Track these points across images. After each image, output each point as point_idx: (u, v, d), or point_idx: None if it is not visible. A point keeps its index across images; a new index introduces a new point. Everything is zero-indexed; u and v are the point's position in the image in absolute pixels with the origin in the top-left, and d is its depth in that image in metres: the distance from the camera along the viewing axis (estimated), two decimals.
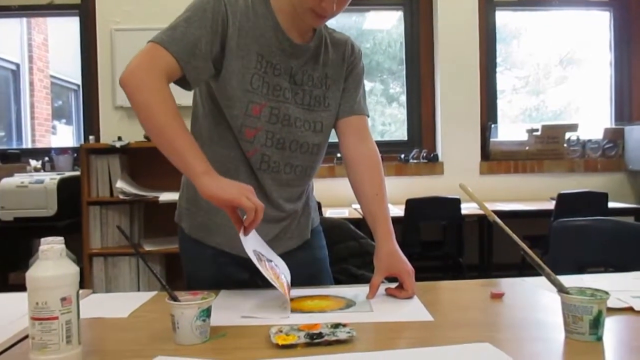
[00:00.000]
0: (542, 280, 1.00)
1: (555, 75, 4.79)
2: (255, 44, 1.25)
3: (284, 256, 1.32)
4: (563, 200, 3.31)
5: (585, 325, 0.88)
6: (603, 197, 3.35)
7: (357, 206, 3.84)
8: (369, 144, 1.41)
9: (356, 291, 1.28)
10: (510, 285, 1.33)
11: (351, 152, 1.39)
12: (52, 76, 6.09)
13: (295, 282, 1.32)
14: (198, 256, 1.40)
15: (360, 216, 3.32)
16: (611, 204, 3.40)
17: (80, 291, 0.90)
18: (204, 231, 1.36)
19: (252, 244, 1.15)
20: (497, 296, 1.20)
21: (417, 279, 1.27)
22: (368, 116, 1.45)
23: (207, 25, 1.19)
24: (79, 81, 4.34)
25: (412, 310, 1.13)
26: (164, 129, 1.14)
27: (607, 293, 0.91)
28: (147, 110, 1.16)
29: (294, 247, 1.40)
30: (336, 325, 0.96)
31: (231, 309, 1.14)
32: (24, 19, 5.50)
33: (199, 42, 1.18)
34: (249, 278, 1.38)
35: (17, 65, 5.60)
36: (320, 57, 1.35)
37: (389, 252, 1.32)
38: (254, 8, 1.26)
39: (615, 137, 4.27)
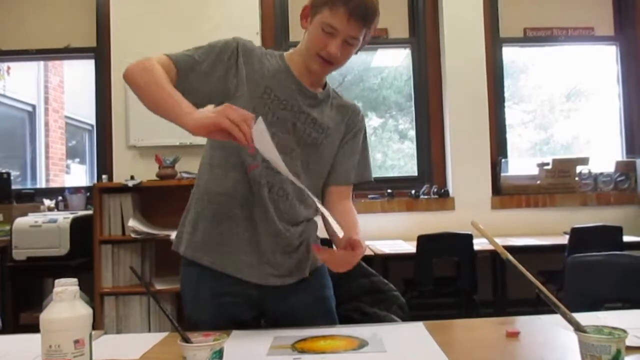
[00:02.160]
0: (558, 317, 0.98)
1: (563, 108, 4.81)
2: (265, 80, 1.37)
3: (281, 290, 1.35)
4: (577, 234, 3.27)
5: None
6: (617, 231, 3.31)
7: (369, 242, 3.83)
8: (350, 205, 1.49)
9: (369, 330, 1.26)
10: (526, 323, 1.31)
11: (333, 211, 1.36)
12: (66, 116, 6.21)
13: (293, 323, 1.33)
14: (197, 294, 1.40)
15: (372, 253, 3.31)
16: (626, 238, 3.35)
17: (93, 332, 0.90)
18: (200, 251, 1.38)
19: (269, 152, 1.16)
20: (513, 335, 1.18)
21: (431, 316, 1.25)
22: (367, 181, 1.55)
23: (214, 53, 1.35)
24: (93, 121, 4.43)
25: (426, 350, 1.11)
26: (149, 87, 1.26)
27: (625, 331, 0.89)
28: (134, 78, 1.32)
29: (291, 283, 1.40)
30: None
31: (244, 350, 1.13)
32: (41, 62, 5.65)
33: (201, 64, 1.34)
34: (251, 319, 1.40)
35: (34, 107, 5.73)
36: (325, 109, 1.44)
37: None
38: (268, 56, 1.41)
39: (627, 170, 4.24)
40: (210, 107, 1.25)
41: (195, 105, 1.23)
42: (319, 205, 1.23)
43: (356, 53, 1.41)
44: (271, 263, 1.37)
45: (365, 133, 1.54)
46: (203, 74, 1.34)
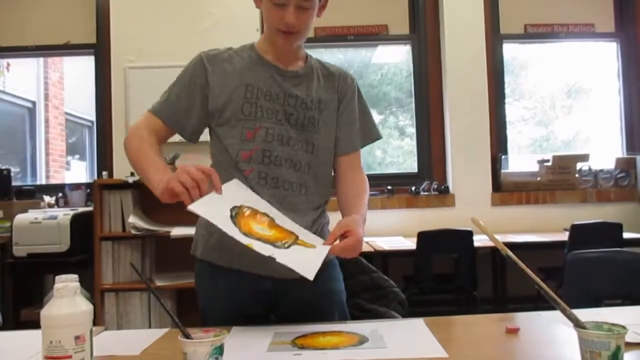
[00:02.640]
0: (558, 314, 0.98)
1: (563, 105, 4.80)
2: (243, 78, 1.40)
3: (292, 282, 1.32)
4: (577, 231, 3.28)
5: None
6: (617, 228, 3.31)
7: (369, 239, 3.84)
8: (359, 174, 1.49)
9: (369, 327, 1.26)
10: (526, 319, 1.31)
11: (341, 183, 1.47)
12: (66, 113, 6.21)
13: (303, 316, 1.33)
14: (212, 289, 1.43)
15: (372, 250, 3.32)
16: (626, 235, 3.35)
17: (93, 328, 0.90)
18: (217, 251, 1.39)
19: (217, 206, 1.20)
20: (513, 331, 1.18)
21: (431, 312, 1.26)
22: (374, 140, 1.55)
23: (187, 82, 1.42)
24: (93, 118, 4.43)
25: (426, 346, 1.12)
26: (132, 159, 1.35)
27: (624, 327, 0.89)
28: (127, 148, 1.37)
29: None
30: None
31: (244, 346, 1.13)
32: (41, 59, 5.65)
33: (180, 99, 1.40)
34: (262, 313, 1.40)
35: (34, 103, 5.73)
36: (312, 83, 1.44)
37: (352, 217, 1.32)
38: (239, 53, 1.45)
39: (627, 167, 4.24)
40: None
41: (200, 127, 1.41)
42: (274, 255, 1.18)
43: (319, 16, 1.42)
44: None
45: (359, 94, 1.52)
46: (185, 110, 1.40)
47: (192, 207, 1.14)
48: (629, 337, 0.95)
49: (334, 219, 1.43)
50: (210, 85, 1.40)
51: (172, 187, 1.15)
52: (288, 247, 1.22)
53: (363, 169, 1.51)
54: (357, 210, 1.35)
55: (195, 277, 1.48)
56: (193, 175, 1.15)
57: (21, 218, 3.34)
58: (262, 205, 1.29)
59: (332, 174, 1.49)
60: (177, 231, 3.22)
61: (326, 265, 1.43)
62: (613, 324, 0.91)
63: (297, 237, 1.25)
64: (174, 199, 1.17)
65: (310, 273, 1.15)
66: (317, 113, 1.42)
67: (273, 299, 1.41)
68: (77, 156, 6.40)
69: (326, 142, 1.44)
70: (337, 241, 1.26)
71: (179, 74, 1.45)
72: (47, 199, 3.87)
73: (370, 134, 1.54)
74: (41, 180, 5.50)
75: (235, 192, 1.27)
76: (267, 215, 1.27)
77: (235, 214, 1.21)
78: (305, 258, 1.20)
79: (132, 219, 3.25)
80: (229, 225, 1.17)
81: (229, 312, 1.38)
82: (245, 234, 1.18)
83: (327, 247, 1.24)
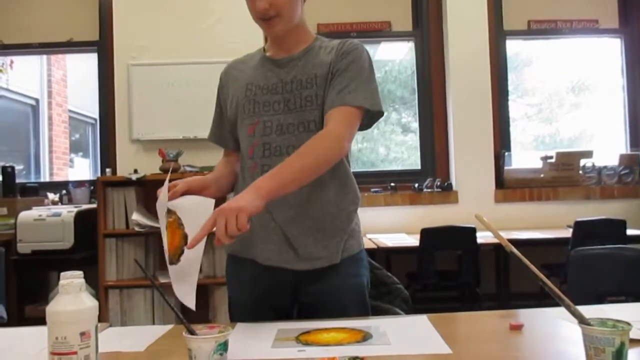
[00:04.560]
0: (562, 310, 0.98)
1: (567, 102, 4.79)
2: (245, 79, 1.45)
3: (313, 274, 1.37)
4: (580, 227, 3.27)
5: (607, 358, 0.86)
6: (621, 224, 3.30)
7: (372, 236, 3.85)
8: (324, 132, 1.32)
9: (373, 323, 1.27)
10: (530, 316, 1.31)
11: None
12: (70, 110, 6.21)
13: (324, 309, 1.36)
14: (237, 280, 1.48)
15: (376, 246, 3.32)
16: (630, 231, 3.35)
17: (98, 325, 0.90)
18: (240, 245, 1.41)
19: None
20: (517, 327, 1.18)
21: (434, 309, 1.25)
22: (365, 104, 1.35)
23: (218, 101, 1.54)
24: (96, 115, 4.43)
25: (430, 342, 1.12)
26: None
27: (629, 324, 0.89)
28: None
29: (322, 267, 1.38)
30: (354, 359, 0.95)
31: (248, 343, 1.14)
32: (44, 56, 5.65)
33: (218, 117, 1.54)
34: (288, 305, 1.43)
35: (37, 101, 5.73)
36: (309, 60, 1.42)
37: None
38: (251, 57, 1.52)
39: (631, 163, 4.23)
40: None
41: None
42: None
43: None
44: (296, 247, 1.36)
45: (360, 60, 1.39)
46: (222, 125, 1.54)
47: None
48: (633, 334, 0.95)
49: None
50: (228, 97, 1.49)
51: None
52: (177, 259, 1.26)
53: (338, 125, 1.31)
54: (259, 181, 1.20)
55: (226, 268, 1.54)
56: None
57: (25, 215, 3.35)
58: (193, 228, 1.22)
59: None
60: None
61: (349, 260, 1.43)
62: (617, 321, 0.90)
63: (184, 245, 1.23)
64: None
65: (187, 302, 1.24)
66: (316, 88, 1.38)
67: (295, 290, 1.42)
68: (80, 153, 6.41)
69: (315, 116, 1.38)
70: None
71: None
72: (51, 196, 3.88)
73: (359, 96, 1.34)
74: (45, 177, 5.51)
75: (189, 203, 1.27)
76: (185, 237, 1.25)
77: (168, 213, 1.26)
78: (183, 280, 1.27)
79: (135, 216, 3.26)
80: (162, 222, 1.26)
81: (254, 303, 1.42)
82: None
83: (194, 258, 1.23)
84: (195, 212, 1.23)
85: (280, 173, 1.21)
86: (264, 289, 1.42)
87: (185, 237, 1.22)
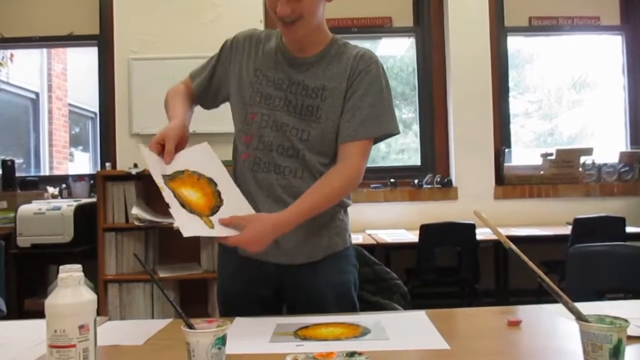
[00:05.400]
0: (560, 307, 0.99)
1: (568, 99, 4.78)
2: (256, 63, 1.44)
3: (296, 270, 1.40)
4: (579, 225, 3.27)
5: (605, 354, 0.87)
6: (620, 222, 3.31)
7: (371, 232, 3.85)
8: (345, 167, 1.36)
9: (372, 318, 1.27)
10: (528, 312, 1.32)
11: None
12: (70, 104, 6.20)
13: (309, 306, 1.36)
14: (225, 272, 1.50)
15: (375, 242, 3.32)
16: (629, 229, 3.35)
17: (97, 318, 0.91)
18: None
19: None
20: (515, 324, 1.18)
21: (433, 305, 1.26)
22: (385, 133, 1.39)
23: (215, 57, 1.51)
24: (96, 109, 4.43)
25: (428, 338, 1.12)
26: (166, 102, 1.49)
27: (626, 321, 0.89)
28: (164, 100, 1.50)
29: (302, 263, 1.41)
30: (352, 354, 0.95)
31: (247, 337, 1.14)
32: (44, 50, 5.64)
33: (206, 68, 1.52)
34: (272, 296, 1.45)
35: (37, 94, 5.72)
36: (319, 69, 1.40)
37: (269, 216, 1.29)
38: (268, 37, 1.47)
39: (631, 161, 4.23)
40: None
41: (216, 97, 1.52)
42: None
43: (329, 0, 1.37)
44: (278, 241, 1.33)
45: (378, 79, 1.38)
46: (207, 76, 1.51)
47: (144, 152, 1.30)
48: (631, 331, 0.95)
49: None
50: (232, 64, 1.47)
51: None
52: (219, 200, 1.28)
53: (360, 161, 1.36)
54: (294, 207, 1.29)
55: (217, 260, 1.57)
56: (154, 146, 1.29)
57: (25, 209, 3.35)
58: (212, 171, 1.31)
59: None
60: None
61: (333, 257, 1.44)
62: (615, 318, 0.91)
63: (213, 212, 1.25)
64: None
65: (185, 230, 1.19)
66: (320, 101, 1.37)
67: (279, 283, 1.44)
68: (80, 147, 6.41)
69: (324, 132, 1.37)
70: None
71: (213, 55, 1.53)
72: (51, 190, 3.88)
73: (382, 126, 1.37)
74: (45, 171, 5.51)
75: (189, 157, 1.31)
76: (212, 181, 1.30)
77: (172, 177, 1.27)
78: (194, 224, 1.22)
79: (135, 210, 3.26)
80: (165, 189, 1.25)
81: (240, 294, 1.45)
82: (175, 196, 1.24)
83: (220, 233, 1.23)
84: (203, 159, 1.33)
85: (308, 211, 1.30)
86: (248, 281, 1.44)
87: (211, 180, 1.30)
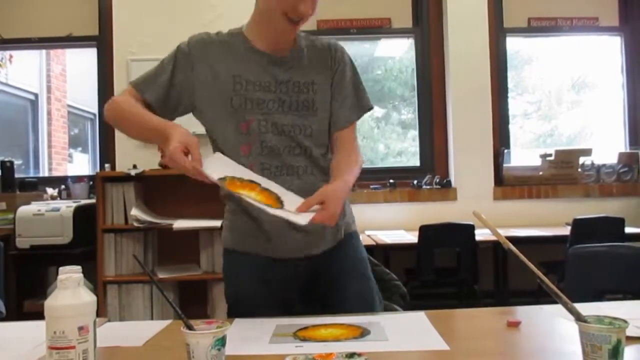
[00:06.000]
0: (559, 307, 0.99)
1: (567, 100, 4.79)
2: (229, 69, 1.37)
3: (316, 259, 1.41)
4: (578, 225, 3.27)
5: (604, 355, 0.87)
6: (619, 222, 3.31)
7: (371, 232, 3.84)
8: (354, 148, 1.47)
9: (371, 319, 1.27)
10: (527, 313, 1.32)
11: (338, 154, 1.45)
12: (69, 105, 6.20)
13: (334, 290, 1.40)
14: (239, 275, 1.45)
15: (374, 243, 3.32)
16: (628, 229, 3.35)
17: (96, 319, 0.91)
18: (240, 239, 1.43)
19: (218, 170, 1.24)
20: (514, 324, 1.18)
21: (432, 306, 1.26)
22: (367, 110, 1.52)
23: (171, 63, 1.41)
24: (95, 110, 4.43)
25: (428, 338, 1.12)
26: (130, 117, 1.37)
27: (625, 321, 0.89)
28: (115, 113, 1.41)
29: (325, 250, 1.44)
30: (351, 355, 0.95)
31: (246, 338, 1.14)
32: (44, 51, 5.64)
33: (159, 76, 1.40)
34: (293, 297, 1.44)
35: (36, 95, 5.72)
36: (302, 63, 1.42)
37: (333, 185, 1.32)
38: (229, 41, 1.42)
39: (630, 161, 4.23)
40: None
41: (176, 109, 1.40)
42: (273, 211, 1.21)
43: None
44: (308, 232, 1.36)
45: (351, 65, 1.50)
46: (161, 86, 1.39)
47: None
48: (630, 331, 0.95)
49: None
50: (194, 73, 1.39)
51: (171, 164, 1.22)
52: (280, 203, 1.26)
53: (357, 141, 1.50)
54: (344, 176, 1.34)
55: (223, 267, 1.50)
56: (182, 166, 1.20)
57: (24, 210, 3.35)
58: (247, 174, 1.30)
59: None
60: (180, 224, 3.23)
61: (352, 235, 1.50)
62: (614, 318, 0.91)
63: (282, 203, 1.25)
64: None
65: (301, 219, 1.20)
66: (313, 95, 1.40)
67: (302, 278, 1.44)
68: (79, 149, 6.41)
69: (322, 124, 1.43)
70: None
71: (168, 56, 1.44)
72: (50, 191, 3.88)
73: (363, 105, 1.51)
74: (44, 172, 5.51)
75: (219, 164, 1.29)
76: (253, 182, 1.28)
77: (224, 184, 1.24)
78: (293, 216, 1.22)
79: (134, 212, 3.26)
80: (240, 193, 1.22)
81: (260, 297, 1.41)
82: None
83: (300, 215, 1.22)
84: (226, 165, 1.30)
85: (350, 184, 1.35)
86: (274, 282, 1.41)
87: (251, 180, 1.27)
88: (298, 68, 1.41)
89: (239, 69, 1.37)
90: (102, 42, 4.13)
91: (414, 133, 4.43)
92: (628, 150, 4.38)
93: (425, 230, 3.27)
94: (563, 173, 4.18)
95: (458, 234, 3.32)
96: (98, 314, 0.91)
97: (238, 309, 1.41)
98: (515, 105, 4.56)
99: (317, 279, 1.45)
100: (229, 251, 1.47)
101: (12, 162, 3.85)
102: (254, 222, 1.39)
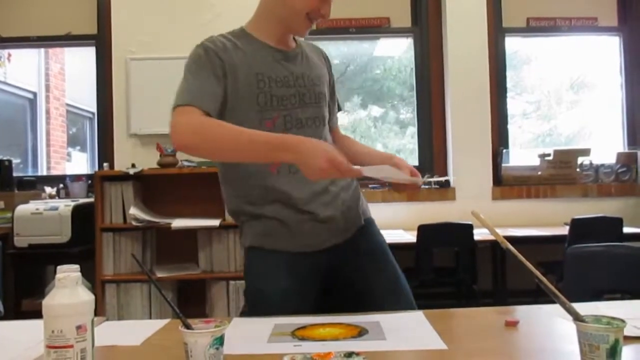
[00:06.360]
0: (557, 307, 0.98)
1: (566, 100, 4.79)
2: (251, 68, 1.38)
3: (340, 249, 1.46)
4: (577, 225, 3.28)
5: (602, 355, 0.87)
6: (618, 222, 3.31)
7: None
8: (347, 137, 1.69)
9: (369, 318, 1.27)
10: (526, 312, 1.32)
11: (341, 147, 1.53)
12: (67, 104, 6.20)
13: (361, 277, 1.48)
14: (265, 272, 1.43)
15: None
16: (626, 229, 3.35)
17: (95, 318, 0.90)
18: (266, 237, 1.42)
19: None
20: (512, 324, 1.19)
21: (431, 305, 1.26)
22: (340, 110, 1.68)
23: (204, 70, 1.35)
24: (94, 109, 4.43)
25: (426, 338, 1.12)
26: (226, 136, 1.26)
27: (623, 321, 0.89)
28: (205, 137, 1.27)
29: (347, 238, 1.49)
30: (349, 354, 0.95)
31: (244, 337, 1.14)
32: (42, 49, 5.64)
33: (203, 84, 1.33)
34: (320, 289, 1.45)
35: (34, 94, 5.72)
36: (309, 59, 1.49)
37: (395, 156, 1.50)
38: (237, 42, 1.41)
39: (628, 162, 4.24)
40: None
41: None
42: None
43: None
44: (335, 220, 1.43)
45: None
46: (216, 98, 1.35)
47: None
48: (628, 331, 0.95)
49: None
50: (227, 75, 1.36)
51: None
52: None
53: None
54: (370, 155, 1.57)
55: (246, 266, 1.47)
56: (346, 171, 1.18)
57: (22, 209, 3.34)
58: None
59: None
60: (178, 223, 3.23)
61: (370, 222, 1.60)
62: (612, 318, 0.91)
63: None
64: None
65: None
66: (321, 87, 1.48)
67: (328, 271, 1.45)
68: (78, 147, 6.41)
69: (333, 111, 1.60)
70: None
71: (188, 68, 1.38)
72: (48, 190, 3.87)
73: (339, 105, 1.66)
74: (42, 171, 5.50)
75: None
76: None
77: None
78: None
79: (133, 211, 3.26)
80: None
81: (287, 292, 1.39)
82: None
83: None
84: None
85: None
86: (300, 276, 1.41)
87: None
88: (306, 62, 1.47)
89: (259, 67, 1.38)
90: (101, 41, 4.13)
91: (413, 130, 4.43)
92: (626, 150, 4.38)
93: (423, 230, 3.27)
94: (561, 173, 4.18)
95: (457, 234, 3.33)
96: (96, 313, 0.91)
97: (262, 306, 1.38)
98: (514, 105, 4.56)
99: (342, 269, 1.47)
100: (254, 248, 1.44)
101: (10, 161, 3.84)
102: (277, 221, 1.40)
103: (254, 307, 1.42)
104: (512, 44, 4.50)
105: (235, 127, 1.26)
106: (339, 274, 1.47)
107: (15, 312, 3.33)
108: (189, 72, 1.36)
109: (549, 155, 4.21)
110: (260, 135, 1.23)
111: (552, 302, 0.95)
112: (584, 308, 0.95)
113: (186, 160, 3.47)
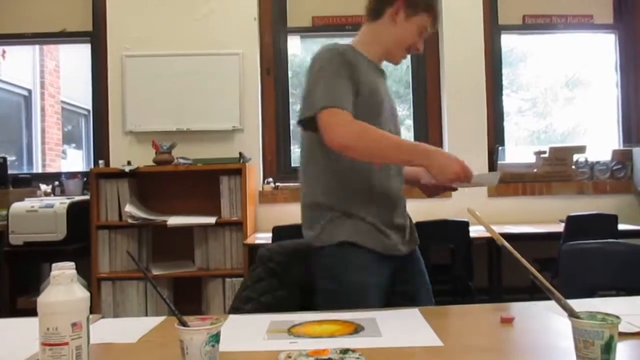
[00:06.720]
0: (552, 304, 0.99)
1: (562, 97, 4.80)
2: (369, 81, 1.52)
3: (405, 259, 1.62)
4: (572, 222, 3.29)
5: (596, 350, 0.87)
6: (613, 219, 3.32)
7: None
8: None
9: (365, 315, 1.27)
10: (521, 309, 1.32)
11: None
12: (62, 101, 6.17)
13: (414, 289, 1.64)
14: (352, 264, 1.48)
15: None
16: (621, 226, 3.37)
17: (90, 316, 0.90)
18: (369, 235, 1.51)
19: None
20: (508, 321, 1.19)
21: None
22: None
23: (341, 73, 1.44)
24: (89, 106, 4.41)
25: (422, 335, 1.12)
26: (385, 141, 1.43)
27: (618, 317, 0.90)
28: (369, 142, 1.40)
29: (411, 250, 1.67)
30: (345, 351, 0.95)
31: (240, 334, 1.14)
32: (37, 46, 5.61)
33: (348, 88, 1.44)
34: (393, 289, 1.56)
35: (29, 91, 5.69)
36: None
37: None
38: (356, 56, 1.53)
39: (623, 159, 4.25)
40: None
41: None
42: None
43: None
44: (411, 231, 1.67)
45: None
46: (351, 94, 1.46)
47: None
48: (622, 327, 0.96)
49: None
50: (357, 83, 1.48)
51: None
52: None
53: None
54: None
55: (337, 260, 1.48)
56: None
57: (17, 206, 3.34)
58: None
59: None
60: (174, 220, 3.23)
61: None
62: (607, 314, 0.91)
63: None
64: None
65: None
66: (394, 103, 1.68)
67: (393, 275, 1.56)
68: (73, 145, 6.38)
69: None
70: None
71: (327, 69, 1.45)
72: (44, 187, 3.86)
73: None
74: (37, 168, 5.48)
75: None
76: None
77: None
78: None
79: (128, 208, 3.26)
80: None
81: (382, 286, 1.51)
82: None
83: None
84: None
85: None
86: (381, 276, 1.51)
87: None
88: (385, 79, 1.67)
89: (374, 82, 1.54)
90: (96, 38, 4.12)
91: (409, 123, 4.43)
92: (621, 148, 4.40)
93: (419, 227, 3.25)
94: (557, 170, 4.19)
95: (452, 231, 3.33)
96: (92, 311, 0.91)
97: (360, 297, 1.43)
98: (509, 102, 4.57)
99: (399, 276, 1.58)
100: (348, 244, 1.47)
101: (5, 159, 3.83)
102: (368, 224, 1.52)
103: (348, 297, 1.43)
104: (508, 41, 4.50)
105: (384, 132, 1.45)
106: (394, 281, 1.57)
107: (11, 309, 3.32)
108: (329, 72, 1.44)
109: (544, 152, 4.22)
110: (403, 141, 1.47)
111: (548, 298, 0.95)
112: (578, 304, 0.95)
113: (182, 158, 3.46)
